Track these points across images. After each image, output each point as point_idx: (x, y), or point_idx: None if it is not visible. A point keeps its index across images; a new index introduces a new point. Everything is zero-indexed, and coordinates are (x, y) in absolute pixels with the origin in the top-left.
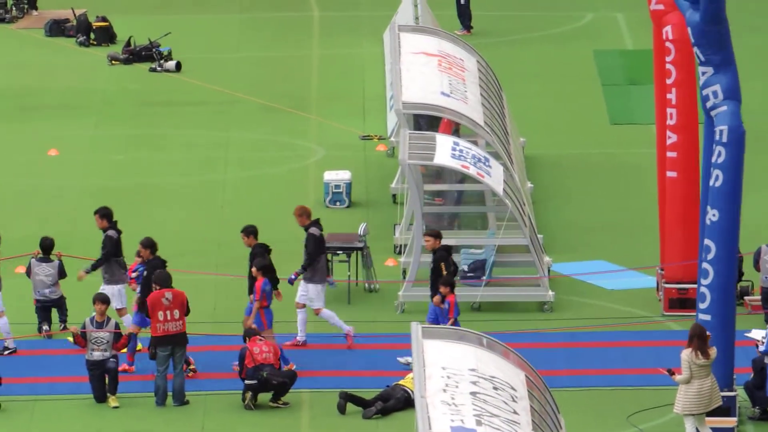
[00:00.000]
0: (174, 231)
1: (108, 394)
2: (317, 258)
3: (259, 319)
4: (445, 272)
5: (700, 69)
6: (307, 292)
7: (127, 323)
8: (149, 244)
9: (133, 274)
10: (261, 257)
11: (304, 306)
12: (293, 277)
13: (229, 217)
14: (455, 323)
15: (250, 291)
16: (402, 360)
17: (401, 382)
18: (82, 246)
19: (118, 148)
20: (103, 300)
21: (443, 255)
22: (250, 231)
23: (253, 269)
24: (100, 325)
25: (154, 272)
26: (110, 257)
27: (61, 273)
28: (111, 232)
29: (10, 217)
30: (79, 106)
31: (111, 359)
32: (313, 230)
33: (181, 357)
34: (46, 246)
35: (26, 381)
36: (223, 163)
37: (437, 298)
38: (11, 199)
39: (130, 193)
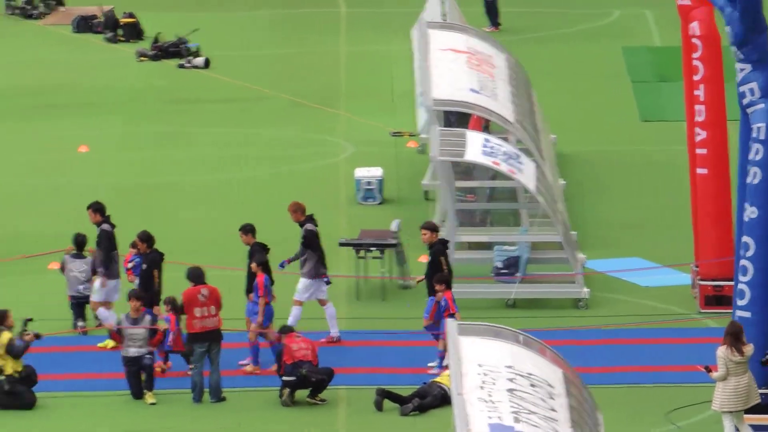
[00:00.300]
0: (202, 228)
1: (145, 391)
2: (316, 253)
3: (256, 314)
4: (444, 266)
5: (738, 66)
6: (309, 287)
7: (102, 317)
8: (146, 238)
9: (129, 265)
10: (260, 254)
11: (327, 301)
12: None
13: (258, 214)
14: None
15: (248, 289)
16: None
17: (438, 379)
18: None
19: (145, 145)
20: (138, 296)
21: (441, 248)
22: (248, 229)
23: (253, 265)
24: (135, 322)
25: (188, 269)
26: (108, 252)
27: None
28: (105, 226)
29: (42, 213)
30: (107, 102)
31: (147, 355)
32: (310, 226)
33: (217, 353)
34: (80, 242)
35: (62, 378)
36: (253, 160)
37: (440, 295)
38: (42, 196)
39: (158, 190)
